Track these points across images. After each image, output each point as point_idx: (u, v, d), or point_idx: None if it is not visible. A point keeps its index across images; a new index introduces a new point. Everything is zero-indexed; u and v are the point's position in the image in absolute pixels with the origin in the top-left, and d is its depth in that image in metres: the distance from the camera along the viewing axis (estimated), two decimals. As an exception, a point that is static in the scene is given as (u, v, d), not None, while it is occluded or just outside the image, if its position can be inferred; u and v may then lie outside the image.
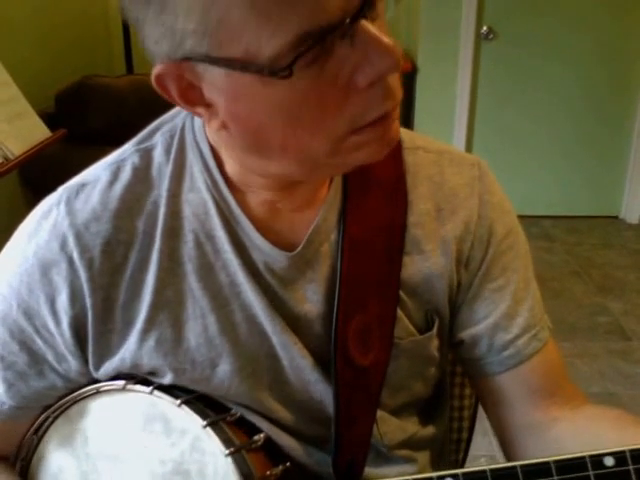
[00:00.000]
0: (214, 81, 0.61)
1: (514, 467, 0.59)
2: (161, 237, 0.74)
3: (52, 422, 0.81)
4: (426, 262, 0.80)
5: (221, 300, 0.75)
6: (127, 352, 0.75)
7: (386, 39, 0.59)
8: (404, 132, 0.84)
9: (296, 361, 0.77)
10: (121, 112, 2.90)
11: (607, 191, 4.27)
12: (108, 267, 0.74)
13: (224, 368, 0.76)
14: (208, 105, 0.65)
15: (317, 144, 0.63)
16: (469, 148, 4.18)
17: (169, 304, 0.75)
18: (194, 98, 0.65)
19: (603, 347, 2.91)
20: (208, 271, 0.75)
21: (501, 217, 0.84)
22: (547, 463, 0.58)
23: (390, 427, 0.84)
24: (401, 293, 0.79)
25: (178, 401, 0.74)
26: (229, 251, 0.75)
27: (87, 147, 2.66)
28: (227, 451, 0.72)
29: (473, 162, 0.85)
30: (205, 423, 0.73)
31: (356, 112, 0.62)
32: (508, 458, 0.86)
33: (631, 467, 0.56)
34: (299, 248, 0.76)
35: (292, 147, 0.65)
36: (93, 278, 0.73)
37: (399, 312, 0.79)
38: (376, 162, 0.76)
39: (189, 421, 0.74)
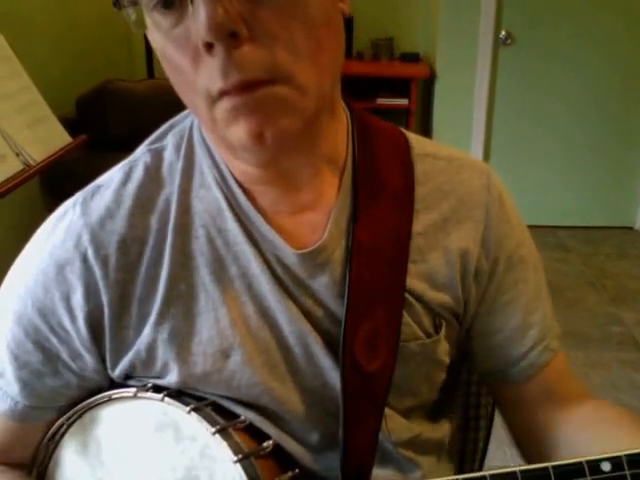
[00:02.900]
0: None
1: (514, 472, 0.60)
2: (173, 233, 0.76)
3: (67, 429, 0.81)
4: (430, 272, 0.81)
5: (232, 293, 0.76)
6: (142, 344, 0.76)
7: (212, 7, 0.59)
8: (414, 138, 0.86)
9: (310, 348, 0.78)
10: (142, 117, 2.83)
11: (622, 202, 4.27)
12: (123, 264, 0.75)
13: (235, 359, 0.76)
14: None
15: (197, 100, 0.66)
16: (486, 156, 4.18)
17: (182, 297, 0.76)
18: None
19: (615, 357, 2.94)
20: (219, 265, 0.76)
21: (510, 230, 0.84)
22: (546, 468, 0.59)
23: (397, 425, 0.84)
24: (409, 298, 0.80)
25: (188, 408, 0.75)
26: (242, 243, 0.76)
27: (108, 153, 2.65)
28: (236, 458, 0.72)
29: (482, 170, 0.85)
30: (214, 430, 0.73)
31: (205, 78, 0.63)
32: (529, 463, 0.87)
33: (627, 472, 0.57)
34: (310, 248, 0.77)
35: (190, 102, 0.69)
36: (108, 275, 0.75)
37: (407, 317, 0.80)
38: (386, 169, 0.81)
39: (198, 428, 0.75)
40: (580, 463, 0.58)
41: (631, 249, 4.05)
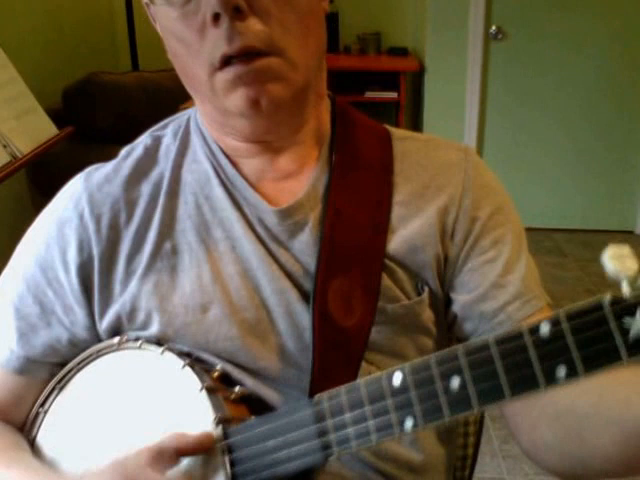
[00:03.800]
0: (152, 8, 0.79)
1: (456, 347, 0.62)
2: (164, 198, 0.85)
3: (58, 394, 0.86)
4: (410, 236, 0.85)
5: (216, 254, 0.83)
6: (128, 296, 0.83)
7: None
8: (394, 129, 0.94)
9: (291, 306, 0.82)
10: (128, 108, 2.92)
11: (623, 204, 4.12)
12: (115, 223, 0.84)
13: (215, 312, 0.82)
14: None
15: (198, 72, 0.76)
16: (480, 150, 4.12)
17: (167, 255, 0.84)
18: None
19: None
20: (205, 228, 0.84)
21: (489, 195, 0.88)
22: (485, 339, 0.61)
23: None
24: (390, 264, 0.84)
25: (161, 349, 0.80)
26: (227, 207, 0.84)
27: (94, 145, 2.66)
28: (202, 386, 0.75)
29: (460, 147, 0.92)
30: (184, 364, 0.78)
31: (209, 48, 0.74)
32: (514, 431, 0.85)
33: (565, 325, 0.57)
34: (286, 205, 0.83)
35: (190, 75, 0.78)
36: (100, 231, 0.84)
37: (389, 281, 0.83)
38: (364, 146, 0.89)
39: (170, 364, 0.79)
40: (519, 328, 0.59)
41: (632, 255, 3.96)
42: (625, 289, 0.55)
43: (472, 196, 0.86)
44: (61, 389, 0.86)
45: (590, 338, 0.56)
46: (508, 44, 4.01)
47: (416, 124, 4.32)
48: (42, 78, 2.87)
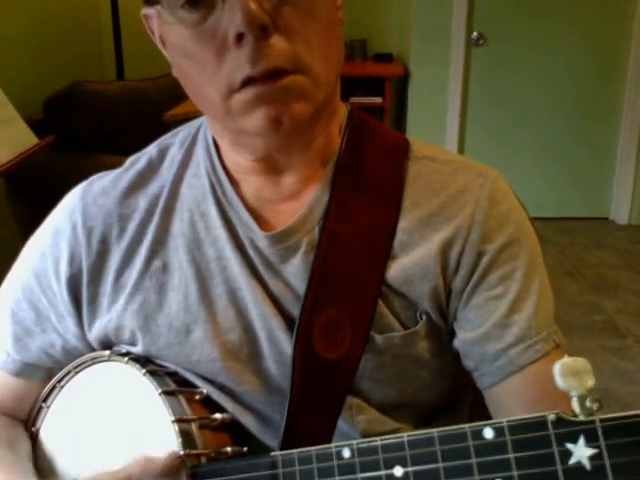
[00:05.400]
0: (160, 26, 0.75)
1: (402, 436, 0.60)
2: (160, 213, 0.83)
3: (59, 392, 0.87)
4: (410, 265, 0.79)
5: (206, 273, 0.81)
6: (114, 313, 0.82)
7: (246, 2, 0.66)
8: (417, 144, 0.87)
9: (274, 332, 0.79)
10: (111, 118, 2.82)
11: (597, 193, 4.36)
12: (106, 237, 0.83)
13: (197, 335, 0.80)
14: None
15: (211, 93, 0.72)
16: (461, 151, 4.21)
17: (157, 272, 0.82)
18: (162, 42, 0.77)
19: (599, 345, 3.00)
20: (198, 245, 0.82)
21: (502, 227, 0.81)
22: (430, 433, 0.58)
23: (369, 417, 0.81)
24: (387, 291, 0.79)
25: (144, 370, 0.79)
26: (220, 227, 0.81)
27: (76, 154, 2.62)
28: (173, 418, 0.74)
29: (481, 172, 0.85)
30: (160, 391, 0.76)
31: (229, 69, 0.70)
32: None
33: (508, 438, 0.54)
34: (278, 229, 0.80)
35: (201, 95, 0.75)
36: (91, 245, 0.83)
37: (385, 309, 0.79)
38: (373, 167, 0.84)
39: (148, 389, 0.78)
40: (463, 429, 0.57)
41: (607, 239, 4.14)
42: (575, 406, 0.52)
43: (481, 228, 0.80)
44: (62, 388, 0.86)
45: (530, 458, 0.53)
46: (488, 49, 4.12)
47: (400, 129, 4.35)
48: (25, 87, 2.78)
